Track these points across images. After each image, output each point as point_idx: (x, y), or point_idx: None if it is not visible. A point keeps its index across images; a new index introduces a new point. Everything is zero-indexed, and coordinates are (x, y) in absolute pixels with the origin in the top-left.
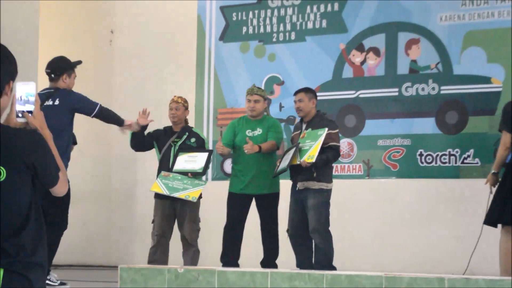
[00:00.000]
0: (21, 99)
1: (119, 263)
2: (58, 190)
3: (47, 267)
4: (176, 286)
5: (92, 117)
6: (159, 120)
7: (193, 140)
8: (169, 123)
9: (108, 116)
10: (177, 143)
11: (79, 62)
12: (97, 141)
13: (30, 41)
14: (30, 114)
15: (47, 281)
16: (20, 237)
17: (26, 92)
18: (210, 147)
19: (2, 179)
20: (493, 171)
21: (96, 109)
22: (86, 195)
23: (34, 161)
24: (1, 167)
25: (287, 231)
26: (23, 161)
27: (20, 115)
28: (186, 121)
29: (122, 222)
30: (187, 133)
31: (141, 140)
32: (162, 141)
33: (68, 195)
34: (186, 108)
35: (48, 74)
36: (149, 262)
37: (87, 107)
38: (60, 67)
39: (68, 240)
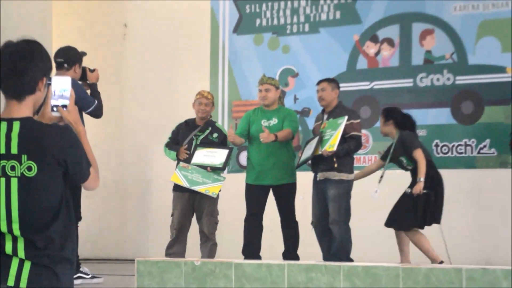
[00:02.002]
0: (55, 93)
1: (135, 256)
2: (90, 186)
3: (75, 262)
4: (192, 278)
5: (86, 113)
6: (173, 116)
7: (215, 135)
8: (184, 117)
9: (98, 115)
10: (199, 137)
11: (85, 53)
12: (112, 135)
13: (44, 36)
14: (64, 109)
15: (80, 274)
16: (50, 231)
17: (61, 86)
18: None
19: (33, 174)
20: (423, 179)
21: (93, 106)
22: (101, 189)
23: (65, 157)
24: (33, 163)
25: (312, 223)
26: (54, 157)
27: (54, 109)
28: (210, 115)
29: (138, 215)
30: (210, 128)
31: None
32: (184, 134)
33: (79, 186)
34: (213, 104)
35: (61, 63)
36: (166, 255)
37: (85, 101)
38: (74, 57)
39: (84, 233)
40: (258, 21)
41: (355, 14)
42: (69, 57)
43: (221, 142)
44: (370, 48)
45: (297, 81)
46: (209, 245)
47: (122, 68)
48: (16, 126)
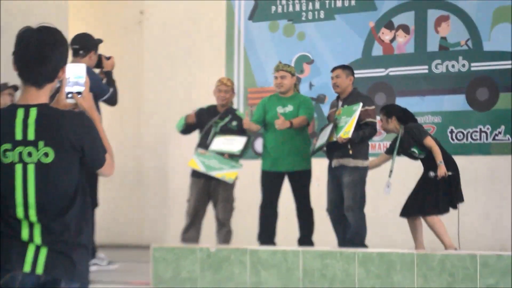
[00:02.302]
0: (70, 80)
1: (151, 243)
2: (106, 172)
3: (91, 248)
4: (208, 265)
5: (102, 100)
6: (189, 102)
7: (234, 123)
8: (202, 103)
9: (113, 103)
10: (218, 124)
11: (101, 41)
12: (129, 122)
13: (60, 23)
14: (79, 95)
15: (96, 260)
16: (66, 217)
17: (75, 73)
18: None
19: (50, 161)
20: (442, 162)
21: (108, 94)
22: (118, 175)
23: (82, 143)
24: (50, 149)
25: (327, 210)
26: (71, 143)
27: (69, 96)
28: (231, 102)
29: (154, 201)
30: (230, 116)
31: (190, 126)
32: (205, 120)
33: (96, 173)
34: (233, 91)
35: (76, 50)
36: (182, 240)
37: (100, 89)
38: (89, 44)
39: (101, 220)
40: (273, 8)
41: (371, 1)
42: (85, 44)
43: (240, 130)
44: (386, 35)
45: (313, 68)
46: (224, 232)
47: (138, 55)
48: (33, 112)
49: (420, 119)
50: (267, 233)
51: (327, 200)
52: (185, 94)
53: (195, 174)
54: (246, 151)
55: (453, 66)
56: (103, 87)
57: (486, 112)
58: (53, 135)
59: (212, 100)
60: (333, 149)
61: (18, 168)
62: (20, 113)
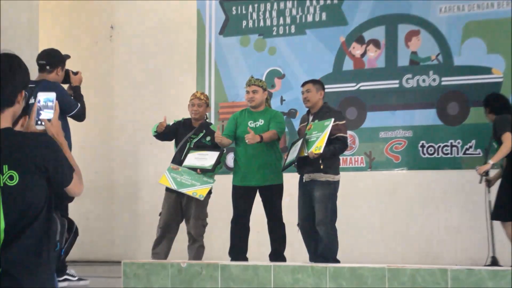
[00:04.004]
0: (41, 106)
1: (123, 259)
2: (73, 190)
3: (55, 267)
4: (179, 280)
5: (69, 116)
6: (161, 118)
7: (208, 138)
8: (173, 117)
9: (81, 119)
10: (193, 140)
11: (68, 56)
12: (100, 137)
13: (30, 38)
14: (48, 121)
15: (67, 276)
16: (29, 237)
17: (46, 100)
18: None
19: (14, 183)
20: (492, 163)
21: (76, 110)
22: (89, 191)
23: (46, 163)
24: (14, 172)
25: (298, 224)
26: (35, 164)
27: (39, 122)
28: (205, 117)
29: (125, 217)
30: (204, 131)
31: (164, 131)
32: (180, 135)
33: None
34: (208, 105)
35: (43, 65)
36: (152, 254)
37: (67, 104)
38: (56, 59)
39: None
40: (244, 22)
41: (341, 16)
42: (52, 60)
43: (215, 145)
44: (356, 49)
45: (284, 82)
46: (196, 247)
47: (109, 70)
48: None
49: (391, 134)
50: (238, 248)
51: (298, 214)
52: (157, 109)
53: (169, 188)
54: (220, 166)
55: (423, 80)
56: (71, 102)
57: (457, 126)
58: (17, 157)
59: (183, 115)
60: (304, 163)
61: None
62: None
